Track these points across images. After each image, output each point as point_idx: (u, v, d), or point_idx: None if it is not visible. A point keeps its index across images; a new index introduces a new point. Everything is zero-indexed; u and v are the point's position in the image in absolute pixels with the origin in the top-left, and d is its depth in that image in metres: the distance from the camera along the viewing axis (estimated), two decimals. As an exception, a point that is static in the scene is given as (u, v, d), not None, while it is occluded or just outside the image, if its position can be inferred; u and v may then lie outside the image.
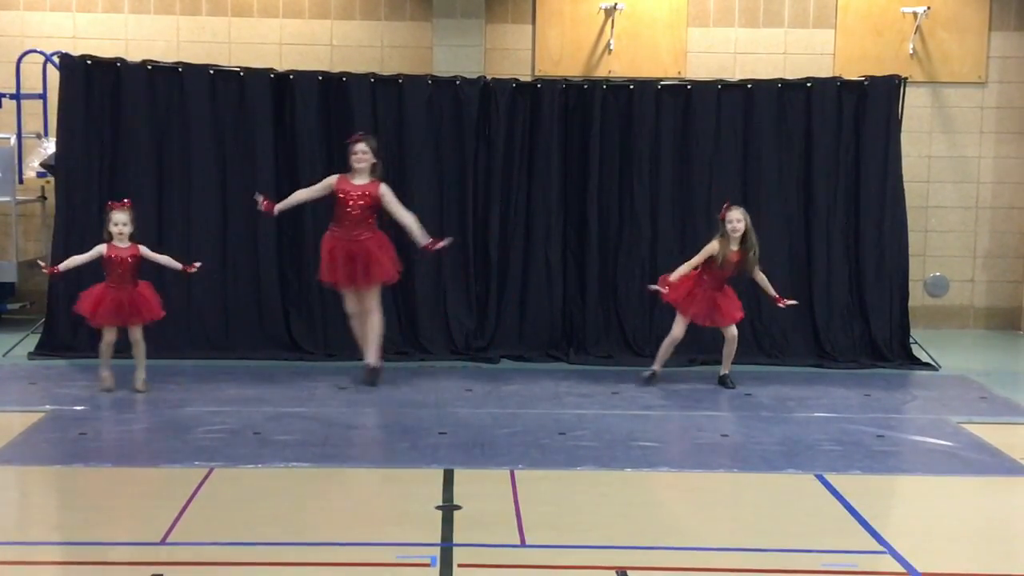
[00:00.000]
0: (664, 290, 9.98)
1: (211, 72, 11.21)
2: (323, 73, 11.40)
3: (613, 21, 12.72)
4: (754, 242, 9.97)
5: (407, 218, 9.90)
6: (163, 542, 6.27)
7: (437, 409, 9.35)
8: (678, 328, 10.09)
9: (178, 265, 9.71)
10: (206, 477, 7.39)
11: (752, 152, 11.38)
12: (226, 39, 12.82)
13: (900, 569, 6.17)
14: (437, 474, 7.60)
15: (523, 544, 6.46)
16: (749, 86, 11.46)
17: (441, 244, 9.99)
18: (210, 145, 11.11)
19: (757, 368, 11.04)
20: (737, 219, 9.89)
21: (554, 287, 11.32)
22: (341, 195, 9.75)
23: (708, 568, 6.21)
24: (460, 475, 7.60)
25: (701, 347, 11.18)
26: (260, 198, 9.97)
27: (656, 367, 10.22)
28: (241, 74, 11.23)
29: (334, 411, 9.22)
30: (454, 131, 11.28)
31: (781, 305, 10.18)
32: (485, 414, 9.24)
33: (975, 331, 13.08)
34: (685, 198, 11.39)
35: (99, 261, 9.48)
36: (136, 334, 9.58)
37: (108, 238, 9.50)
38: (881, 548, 6.46)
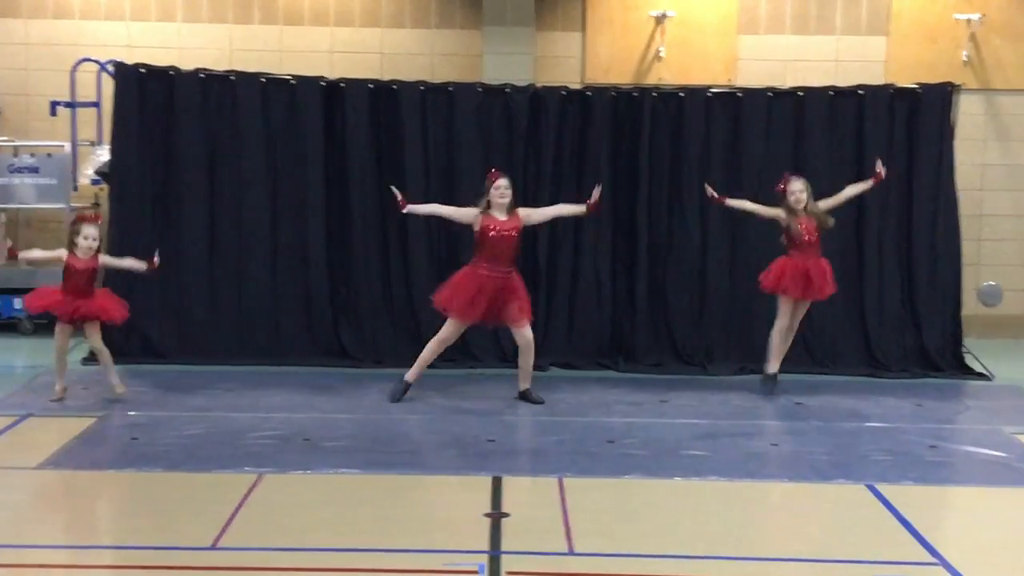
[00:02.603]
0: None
1: (263, 80, 11.28)
2: (374, 81, 11.44)
3: (663, 28, 12.70)
4: (818, 207, 9.99)
5: (552, 210, 10.06)
6: (214, 547, 6.31)
7: (486, 417, 9.35)
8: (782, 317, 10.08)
9: (141, 266, 9.45)
10: (256, 483, 7.43)
11: (803, 160, 11.30)
12: (277, 47, 12.92)
13: (953, 581, 6.11)
14: (485, 481, 7.60)
15: (572, 552, 6.45)
16: (800, 93, 11.39)
17: (596, 195, 9.87)
18: (262, 152, 11.18)
19: (808, 377, 10.95)
20: (800, 190, 9.94)
21: (603, 295, 11.29)
22: (492, 232, 9.57)
23: (758, 578, 6.18)
24: (508, 483, 7.60)
25: (751, 354, 11.13)
26: (397, 193, 9.79)
27: (774, 367, 10.18)
28: (292, 82, 11.30)
29: (383, 418, 9.25)
30: (504, 139, 11.29)
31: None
32: (534, 422, 9.24)
33: (1029, 341, 12.93)
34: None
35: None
36: (95, 341, 9.40)
37: (72, 248, 9.21)
38: (934, 560, 6.39)
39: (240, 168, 11.18)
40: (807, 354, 11.28)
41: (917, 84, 11.47)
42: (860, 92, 11.38)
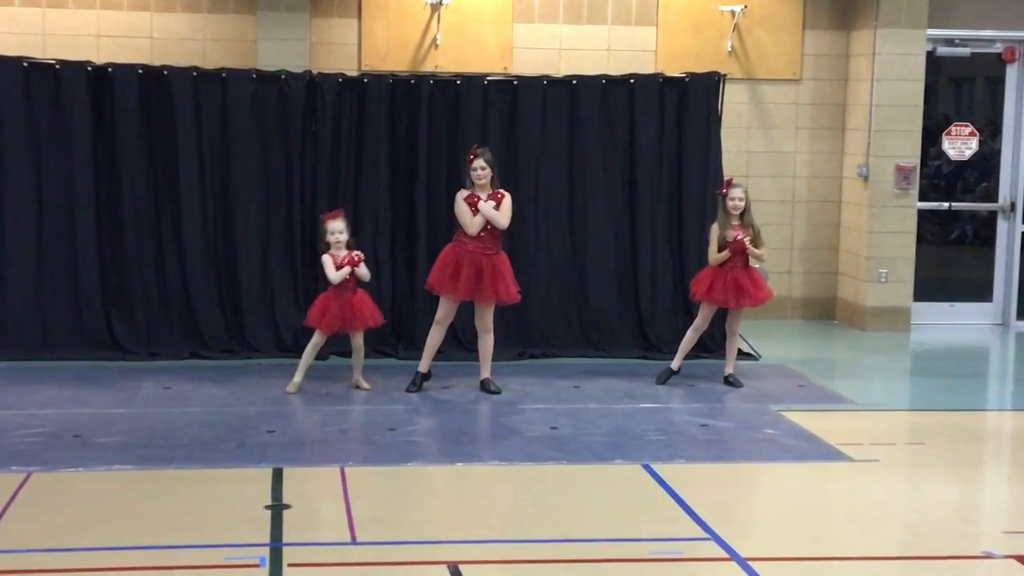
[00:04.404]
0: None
1: (25, 64, 10.87)
2: (143, 66, 11.14)
3: (439, 16, 12.73)
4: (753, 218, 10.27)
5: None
6: (-21, 551, 6.08)
7: (265, 407, 9.25)
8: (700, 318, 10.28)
9: (366, 277, 9.84)
10: (24, 482, 7.19)
11: (578, 147, 11.51)
12: (40, 31, 12.41)
13: (724, 554, 6.34)
14: (266, 473, 7.53)
15: (354, 542, 6.45)
16: (574, 82, 11.59)
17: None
18: (25, 139, 10.77)
19: (585, 361, 11.16)
20: (739, 196, 10.12)
21: (383, 282, 11.26)
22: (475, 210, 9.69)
23: (540, 560, 6.29)
24: (289, 473, 7.55)
25: (530, 340, 11.29)
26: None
27: (677, 363, 10.32)
28: (57, 67, 10.91)
29: (158, 411, 9.05)
30: (280, 126, 11.14)
31: None
32: (314, 411, 9.18)
33: (793, 321, 13.44)
34: (512, 192, 11.41)
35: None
36: (358, 339, 9.78)
37: (326, 248, 9.64)
38: (706, 535, 6.62)
39: (1, 155, 10.75)
40: (583, 338, 11.50)
41: (685, 73, 11.81)
42: (631, 81, 11.65)
